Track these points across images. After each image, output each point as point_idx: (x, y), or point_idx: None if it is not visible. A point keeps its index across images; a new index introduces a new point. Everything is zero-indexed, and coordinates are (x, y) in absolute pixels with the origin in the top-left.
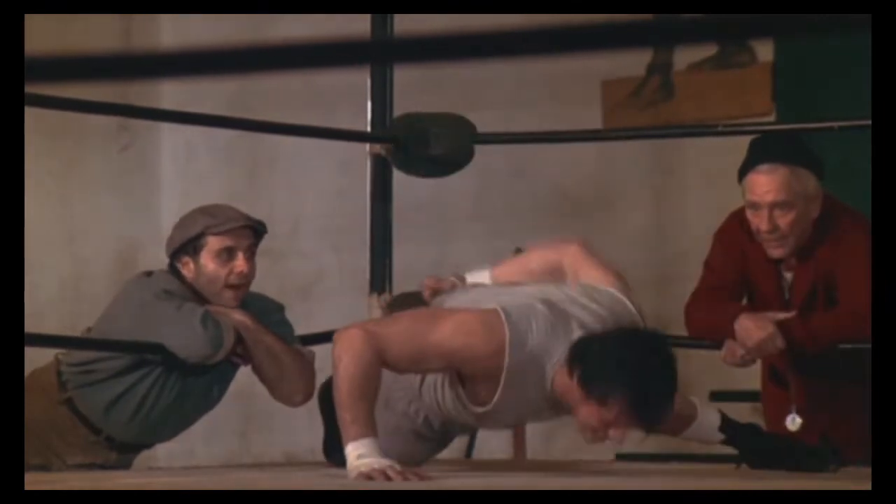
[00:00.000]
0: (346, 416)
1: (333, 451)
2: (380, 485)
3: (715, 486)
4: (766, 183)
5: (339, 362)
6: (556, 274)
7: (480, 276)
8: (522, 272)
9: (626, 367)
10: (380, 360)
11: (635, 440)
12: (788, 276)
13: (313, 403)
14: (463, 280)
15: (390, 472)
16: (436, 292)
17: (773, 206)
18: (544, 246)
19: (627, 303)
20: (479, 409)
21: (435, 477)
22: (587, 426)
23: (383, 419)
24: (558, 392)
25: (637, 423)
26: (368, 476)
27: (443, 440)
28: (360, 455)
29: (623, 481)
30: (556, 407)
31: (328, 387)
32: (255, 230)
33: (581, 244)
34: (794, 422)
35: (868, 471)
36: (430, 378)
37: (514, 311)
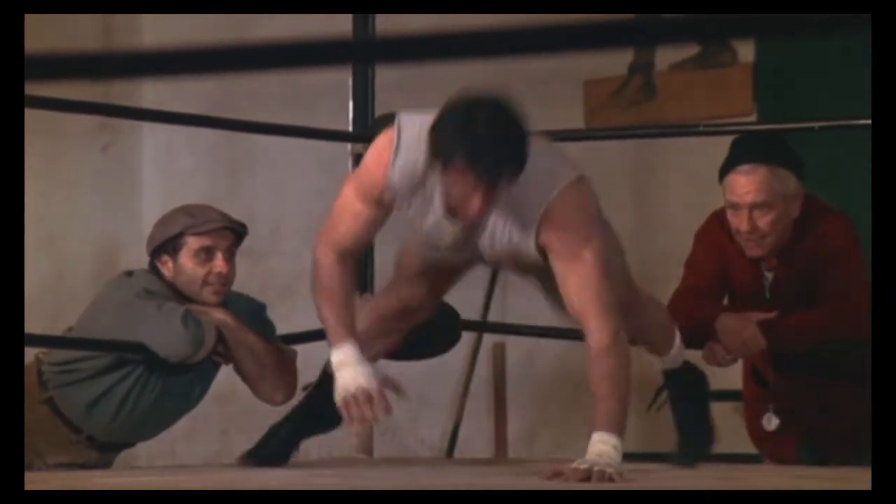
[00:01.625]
0: (325, 324)
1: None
2: (368, 484)
3: (710, 487)
4: (745, 183)
5: (313, 280)
6: None
7: None
8: None
9: (461, 123)
10: (336, 255)
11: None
12: (769, 275)
13: (294, 402)
14: None
15: (359, 395)
16: None
17: (753, 206)
18: None
19: None
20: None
21: (400, 384)
22: (457, 205)
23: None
24: (444, 198)
25: (479, 169)
26: (344, 405)
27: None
28: (340, 362)
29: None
30: (459, 227)
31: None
32: (236, 231)
33: None
34: (770, 422)
35: (868, 471)
36: None
37: (409, 116)
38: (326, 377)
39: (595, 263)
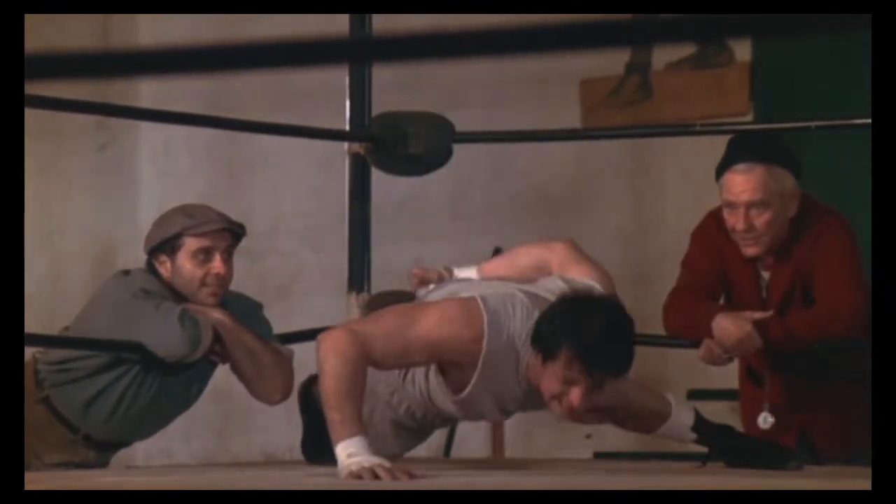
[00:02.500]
0: (334, 416)
1: (312, 451)
2: (365, 484)
3: (705, 486)
4: (742, 182)
5: (324, 363)
6: (543, 270)
7: (468, 273)
8: (510, 268)
9: (572, 319)
10: (365, 359)
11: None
12: (766, 275)
13: (292, 402)
14: (451, 272)
15: (379, 471)
16: (423, 281)
17: (750, 205)
18: (532, 244)
19: (601, 291)
20: (457, 396)
21: (424, 475)
22: (550, 395)
23: (366, 409)
24: (531, 375)
25: (587, 369)
26: (358, 475)
27: (423, 431)
28: (350, 454)
29: (602, 480)
30: (532, 396)
31: (308, 386)
32: (234, 232)
33: (569, 243)
34: (765, 420)
35: (867, 470)
36: (413, 368)
37: (492, 299)
38: None
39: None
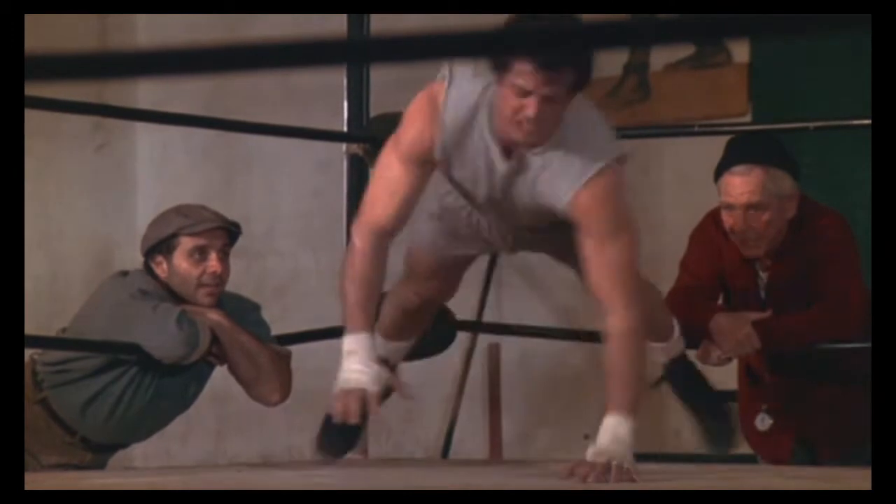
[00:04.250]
0: (345, 311)
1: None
2: (355, 486)
3: (705, 486)
4: (740, 184)
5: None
6: None
7: None
8: None
9: (520, 20)
10: (373, 240)
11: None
12: (764, 275)
13: (290, 403)
14: None
15: (350, 401)
16: None
17: (748, 207)
18: None
19: None
20: (447, 172)
21: (406, 387)
22: (512, 116)
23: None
24: (496, 119)
25: (533, 60)
26: (338, 395)
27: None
28: (349, 350)
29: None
30: (516, 170)
31: None
32: (230, 231)
33: None
34: (763, 421)
35: (866, 471)
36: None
37: (460, 69)
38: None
39: (628, 249)
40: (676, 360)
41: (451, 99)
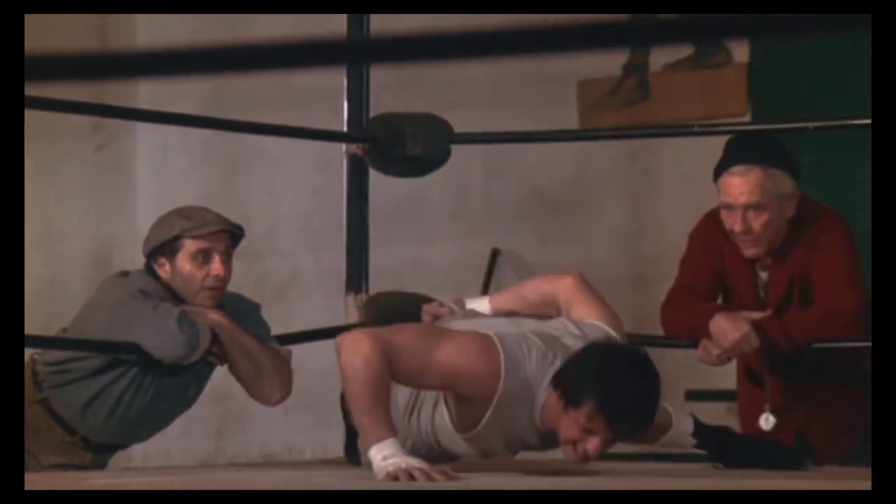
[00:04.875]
0: (364, 419)
1: (356, 452)
2: (355, 486)
3: (704, 486)
4: (739, 184)
5: (348, 366)
6: (550, 305)
7: (479, 304)
8: (518, 302)
9: (598, 371)
10: (388, 364)
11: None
12: (764, 275)
13: (289, 403)
14: (462, 305)
15: (415, 472)
16: (435, 319)
17: (747, 207)
18: (541, 277)
19: (614, 335)
20: (468, 434)
21: (460, 477)
22: (567, 439)
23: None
24: (546, 417)
25: (609, 425)
26: (395, 476)
27: None
28: (385, 456)
29: (601, 480)
30: (545, 437)
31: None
32: (232, 234)
33: (577, 277)
34: (767, 421)
35: (867, 471)
36: (419, 403)
37: (509, 339)
38: None
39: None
40: (699, 433)
41: (507, 380)
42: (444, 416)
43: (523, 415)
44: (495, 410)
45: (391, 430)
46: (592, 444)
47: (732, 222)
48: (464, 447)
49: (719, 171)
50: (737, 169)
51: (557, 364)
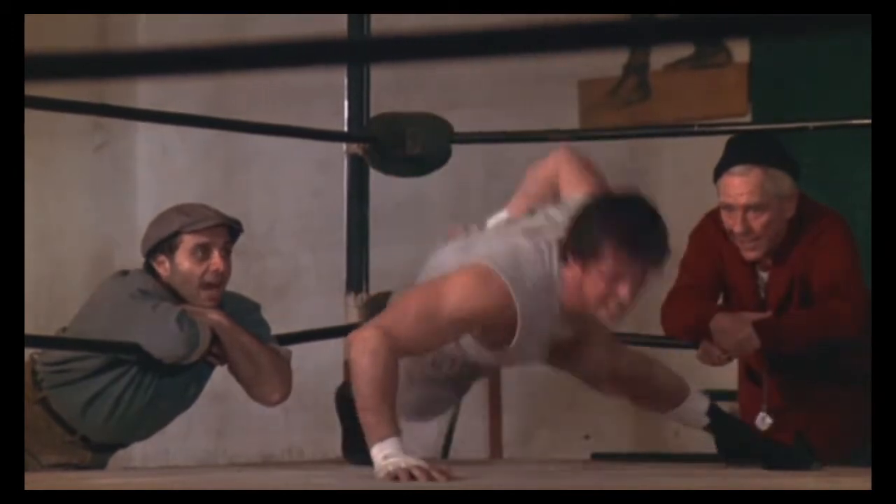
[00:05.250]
0: (370, 418)
1: (355, 453)
2: (356, 486)
3: (705, 486)
4: (739, 185)
5: (356, 364)
6: (554, 187)
7: (499, 217)
8: (528, 200)
9: (601, 216)
10: (396, 355)
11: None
12: (764, 275)
13: (290, 403)
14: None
15: (416, 472)
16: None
17: (747, 207)
18: (535, 167)
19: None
20: (499, 352)
21: (460, 476)
22: (598, 299)
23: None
24: (569, 295)
25: (632, 257)
26: (395, 476)
27: (460, 387)
28: (386, 455)
29: (601, 480)
30: (573, 321)
31: (343, 390)
32: (231, 228)
33: (568, 155)
34: (763, 421)
35: (867, 471)
36: None
37: (501, 258)
38: None
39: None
40: (714, 415)
41: (520, 297)
42: (469, 340)
43: (546, 314)
44: (522, 328)
45: (394, 430)
46: (623, 290)
47: (732, 223)
48: (493, 360)
49: (719, 171)
50: (737, 169)
51: (555, 251)
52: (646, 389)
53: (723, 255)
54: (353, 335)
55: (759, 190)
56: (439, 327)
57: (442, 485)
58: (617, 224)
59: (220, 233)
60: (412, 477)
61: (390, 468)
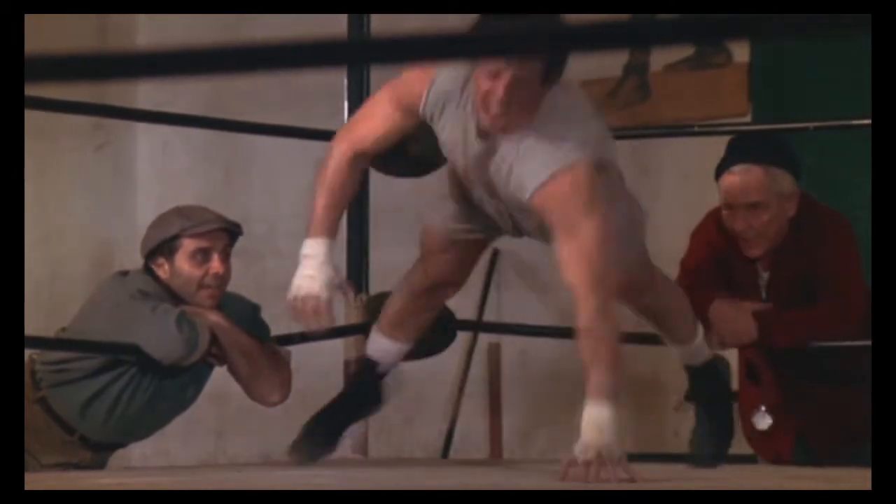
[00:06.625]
0: (312, 214)
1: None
2: (355, 486)
3: (705, 486)
4: (740, 184)
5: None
6: None
7: None
8: None
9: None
10: (352, 147)
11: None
12: (765, 274)
13: (290, 403)
14: None
15: (304, 304)
16: None
17: (748, 206)
18: None
19: None
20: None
21: (349, 288)
22: (480, 97)
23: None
24: (477, 102)
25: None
26: (291, 304)
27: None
28: (306, 255)
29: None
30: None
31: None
32: (231, 232)
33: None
34: (762, 420)
35: (866, 471)
36: None
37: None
38: (368, 362)
39: (591, 241)
40: (704, 366)
41: (442, 73)
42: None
43: (460, 106)
44: (433, 88)
45: (325, 231)
46: (499, 86)
47: (734, 222)
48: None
49: (720, 170)
50: (738, 168)
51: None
52: (655, 317)
53: (724, 254)
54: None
55: (759, 189)
56: (374, 108)
57: (442, 485)
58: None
59: (220, 236)
60: (299, 310)
61: (295, 290)
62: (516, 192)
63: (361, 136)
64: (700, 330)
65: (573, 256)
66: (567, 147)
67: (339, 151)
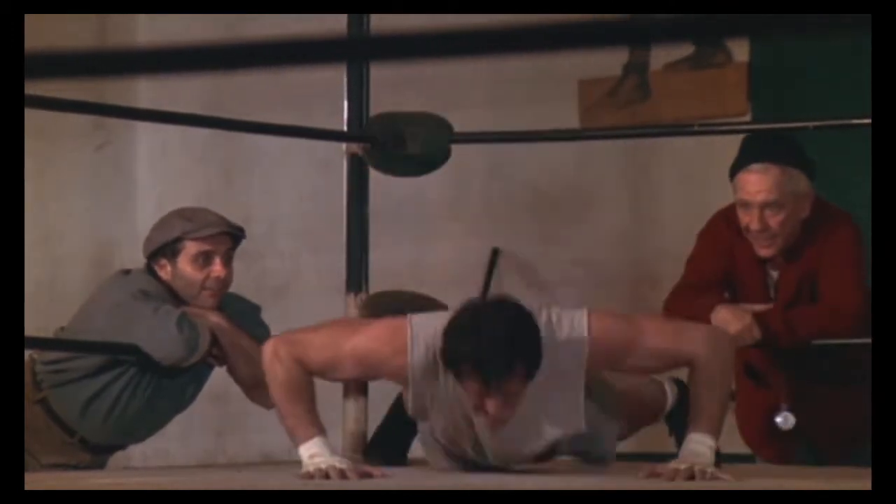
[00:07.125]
0: (289, 422)
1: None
2: (356, 486)
3: (705, 486)
4: (757, 182)
5: (268, 373)
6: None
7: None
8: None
9: (460, 332)
10: (301, 363)
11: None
12: (774, 274)
13: None
14: None
15: (331, 471)
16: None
17: (765, 205)
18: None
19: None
20: (423, 424)
21: (380, 475)
22: (474, 408)
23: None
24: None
25: (483, 376)
26: (309, 476)
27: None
28: (312, 455)
29: (600, 480)
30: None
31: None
32: (233, 235)
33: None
34: (787, 421)
35: (867, 471)
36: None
37: (423, 316)
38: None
39: (652, 331)
40: (678, 404)
41: (417, 358)
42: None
43: (448, 390)
44: (414, 385)
45: (316, 430)
46: (493, 405)
47: (749, 220)
48: (431, 442)
49: (736, 169)
50: (755, 167)
51: None
52: (645, 416)
53: (734, 253)
54: (266, 343)
55: (776, 187)
56: (338, 354)
57: (442, 485)
58: (469, 341)
59: (222, 240)
60: (326, 476)
61: (310, 468)
62: (556, 430)
63: (310, 361)
64: (668, 391)
65: (655, 351)
66: (566, 325)
67: (286, 360)
